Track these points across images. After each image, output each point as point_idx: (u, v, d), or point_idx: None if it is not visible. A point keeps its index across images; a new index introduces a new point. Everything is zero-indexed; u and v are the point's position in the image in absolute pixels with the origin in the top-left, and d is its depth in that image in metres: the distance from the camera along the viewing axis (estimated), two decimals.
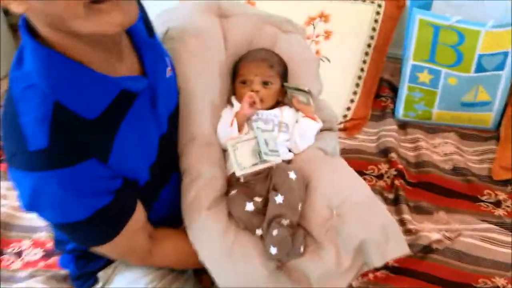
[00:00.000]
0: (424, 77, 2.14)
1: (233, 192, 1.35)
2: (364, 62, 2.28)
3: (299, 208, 1.30)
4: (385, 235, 1.25)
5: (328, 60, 2.26)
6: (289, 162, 1.45)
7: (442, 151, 2.13)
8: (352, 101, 2.27)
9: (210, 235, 1.28)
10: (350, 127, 2.25)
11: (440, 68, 2.09)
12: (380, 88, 2.40)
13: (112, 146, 1.02)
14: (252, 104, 1.41)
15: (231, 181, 1.40)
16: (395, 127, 2.23)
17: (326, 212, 1.30)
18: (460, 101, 2.15)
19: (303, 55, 1.61)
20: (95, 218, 1.02)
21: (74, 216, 1.01)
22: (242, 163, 1.35)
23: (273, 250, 1.22)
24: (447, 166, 2.07)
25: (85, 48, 0.95)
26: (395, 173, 2.00)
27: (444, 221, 1.86)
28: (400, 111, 2.27)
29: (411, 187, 1.99)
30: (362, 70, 2.28)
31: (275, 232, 1.22)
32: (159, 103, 1.17)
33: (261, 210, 1.29)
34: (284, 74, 1.54)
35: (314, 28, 2.28)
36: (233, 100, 1.49)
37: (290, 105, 1.52)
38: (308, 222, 1.31)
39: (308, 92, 1.46)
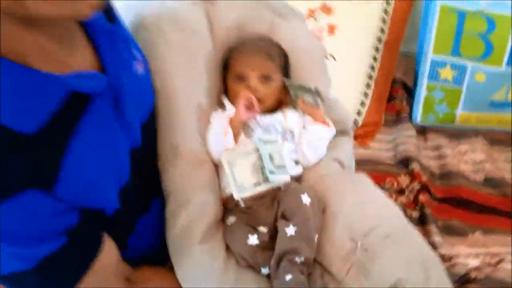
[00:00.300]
0: (447, 73, 1.86)
1: (232, 219, 1.14)
2: (375, 59, 1.98)
3: (315, 241, 1.10)
4: (425, 273, 1.05)
5: (334, 58, 1.96)
6: (298, 179, 1.23)
7: (470, 160, 1.85)
8: (362, 104, 1.97)
9: (205, 276, 1.07)
10: (362, 135, 1.95)
11: (466, 62, 1.82)
12: (393, 89, 2.10)
13: (60, 168, 0.80)
14: (250, 106, 1.17)
15: (228, 206, 1.17)
16: (413, 132, 1.95)
17: (349, 245, 1.10)
18: (489, 100, 1.88)
19: (307, 44, 1.37)
20: (44, 268, 0.84)
21: (14, 266, 0.83)
22: (242, 183, 1.13)
23: None
24: (478, 177, 1.79)
25: (34, 39, 0.77)
26: (418, 187, 1.71)
27: (481, 244, 1.59)
28: (418, 115, 1.98)
29: (438, 203, 1.71)
30: (372, 68, 1.98)
31: (288, 277, 1.02)
32: (126, 107, 0.95)
33: (268, 243, 1.10)
34: (285, 68, 1.30)
35: (315, 21, 1.99)
36: (225, 101, 1.25)
37: (294, 106, 1.26)
38: (326, 257, 1.11)
39: (314, 92, 1.19)
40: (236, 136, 1.16)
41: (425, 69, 1.88)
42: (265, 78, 1.21)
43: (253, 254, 1.08)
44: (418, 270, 1.04)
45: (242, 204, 1.12)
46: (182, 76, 1.17)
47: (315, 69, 1.34)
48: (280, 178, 1.12)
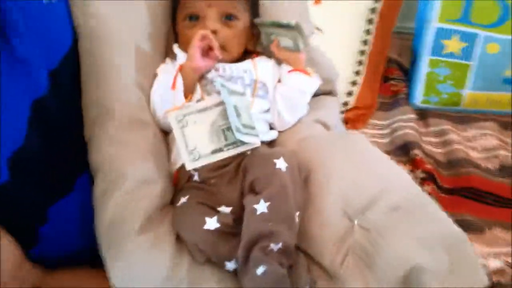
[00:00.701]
0: (454, 45, 1.60)
1: (183, 199, 0.90)
2: (368, 32, 1.71)
3: (297, 220, 0.85)
4: (450, 255, 0.82)
5: (321, 31, 1.69)
6: (270, 145, 1.02)
7: (480, 146, 1.58)
8: (354, 83, 1.70)
9: (146, 276, 0.81)
10: (353, 119, 1.68)
11: (477, 31, 1.56)
12: (387, 70, 1.84)
13: None
14: (207, 49, 0.95)
15: (180, 181, 0.95)
16: (413, 116, 1.68)
17: (343, 224, 0.87)
18: (501, 77, 1.62)
19: None
20: None
21: None
22: (196, 149, 0.90)
23: None
24: (491, 165, 1.53)
25: None
26: (423, 175, 1.43)
27: (501, 242, 1.31)
28: (418, 96, 1.71)
29: (448, 195, 1.43)
30: (365, 43, 1.72)
31: (261, 270, 0.76)
32: (21, 43, 0.75)
33: (232, 228, 0.85)
34: (254, 5, 1.07)
35: None
36: (176, 49, 1.01)
37: (268, 54, 1.06)
38: (314, 242, 0.88)
39: (295, 28, 0.97)
40: (189, 90, 0.92)
41: (427, 41, 1.62)
42: (228, 18, 0.95)
43: (212, 244, 0.83)
44: (441, 252, 0.81)
45: (197, 178, 0.85)
46: (116, 13, 0.94)
47: (295, 10, 1.13)
48: (247, 139, 0.87)
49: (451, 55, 1.61)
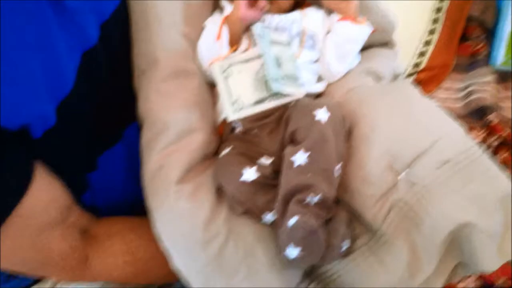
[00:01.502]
0: None
1: (226, 150, 0.87)
2: None
3: (338, 172, 0.81)
4: (505, 216, 0.77)
5: None
6: (318, 96, 0.96)
7: None
8: (427, 43, 1.58)
9: (185, 226, 0.80)
10: (425, 80, 1.57)
11: None
12: (468, 29, 1.68)
13: None
14: (254, 1, 0.90)
15: (224, 133, 0.92)
16: (492, 78, 1.53)
17: (388, 177, 0.81)
18: None
19: None
20: None
21: None
22: (239, 99, 0.86)
23: (293, 252, 0.75)
24: None
25: None
26: (497, 142, 1.31)
27: None
28: (499, 57, 1.56)
29: None
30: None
31: (291, 222, 0.74)
32: None
33: (271, 180, 0.82)
34: None
35: None
36: (223, 1, 0.97)
37: (319, 3, 0.98)
38: (356, 196, 0.82)
39: None
40: (234, 40, 0.89)
41: None
42: None
43: (250, 195, 0.81)
44: (494, 212, 0.76)
45: (240, 128, 0.83)
46: None
47: None
48: (288, 90, 0.82)
49: None
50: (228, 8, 0.94)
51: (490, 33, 1.68)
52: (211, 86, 0.94)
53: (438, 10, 1.58)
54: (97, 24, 0.80)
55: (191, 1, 0.94)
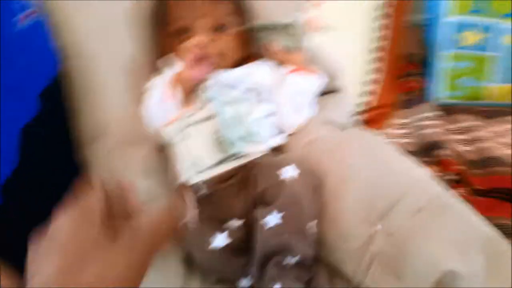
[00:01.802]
0: (472, 37, 1.50)
1: (192, 215, 0.84)
2: (384, 27, 1.63)
3: (314, 230, 0.80)
4: (486, 259, 0.77)
5: (333, 28, 1.60)
6: (278, 150, 0.95)
7: None
8: (371, 82, 1.61)
9: None
10: (373, 119, 1.59)
11: (496, 21, 1.46)
12: (405, 65, 1.73)
13: None
14: (203, 58, 0.89)
15: (187, 196, 0.87)
16: (436, 113, 1.59)
17: (364, 230, 0.81)
18: None
19: None
20: None
21: None
22: (199, 161, 0.84)
23: None
24: None
25: None
26: (454, 177, 1.34)
27: None
28: (439, 91, 1.63)
29: (482, 197, 1.33)
30: (381, 39, 1.63)
31: (277, 287, 0.71)
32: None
33: (245, 242, 0.79)
34: (246, 7, 1.02)
35: None
36: (165, 62, 0.95)
37: (268, 55, 1.00)
38: (335, 251, 0.82)
39: (291, 28, 0.94)
40: (186, 100, 0.87)
41: (443, 35, 1.53)
42: (221, 28, 0.91)
43: (223, 262, 0.78)
44: (474, 254, 0.76)
45: (204, 191, 0.81)
46: (103, 33, 0.91)
47: (289, 5, 1.07)
48: (247, 150, 0.82)
49: (469, 47, 1.52)
50: (174, 67, 0.91)
51: (425, 67, 1.76)
52: (166, 148, 0.90)
53: (378, 49, 1.62)
54: (34, 96, 0.77)
55: (135, 65, 0.91)
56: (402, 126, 1.60)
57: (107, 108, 0.87)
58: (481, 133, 1.50)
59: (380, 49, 1.61)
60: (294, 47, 0.93)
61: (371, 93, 1.59)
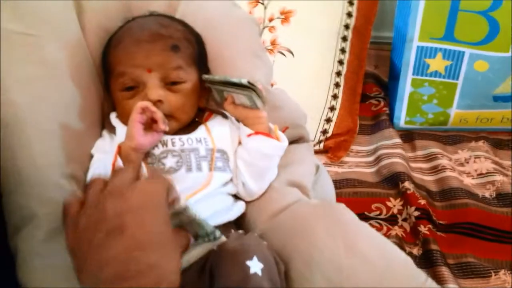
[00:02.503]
0: (438, 64, 1.46)
1: None
2: (343, 51, 1.58)
3: None
4: None
5: (292, 53, 1.54)
6: (240, 222, 0.86)
7: (474, 170, 1.45)
8: (332, 109, 1.55)
9: None
10: (334, 147, 1.54)
11: (463, 48, 1.42)
12: (364, 86, 1.69)
13: None
14: (150, 122, 0.80)
15: None
16: (398, 140, 1.54)
17: None
18: (491, 94, 1.48)
19: (227, 17, 1.01)
20: None
21: None
22: None
23: None
24: (488, 193, 1.40)
25: None
26: (417, 213, 1.30)
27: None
28: (402, 116, 1.58)
29: (445, 233, 1.30)
30: (340, 63, 1.58)
31: None
32: None
33: None
34: (200, 57, 0.91)
35: (265, 8, 1.56)
36: (113, 119, 0.85)
37: (224, 114, 0.92)
38: None
39: (249, 87, 0.80)
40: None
41: (409, 60, 1.47)
42: (174, 83, 0.82)
43: None
44: None
45: None
46: (29, 89, 0.77)
47: (245, 55, 0.97)
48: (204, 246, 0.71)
49: (435, 73, 1.47)
50: (119, 131, 0.82)
51: (387, 88, 1.71)
52: None
53: (338, 74, 1.56)
54: None
55: (74, 130, 0.80)
56: (365, 153, 1.55)
57: (37, 190, 0.74)
58: (443, 162, 1.45)
59: (338, 74, 1.55)
60: (252, 106, 0.84)
61: (329, 120, 1.53)
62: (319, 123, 1.53)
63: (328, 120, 1.54)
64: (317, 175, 1.03)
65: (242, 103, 0.84)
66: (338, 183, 1.43)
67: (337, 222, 0.80)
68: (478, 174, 1.44)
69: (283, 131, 0.90)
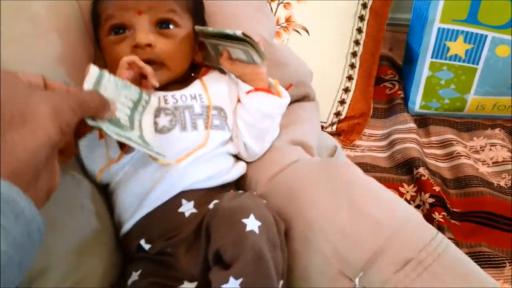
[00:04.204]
0: (458, 47, 1.42)
1: (134, 275, 0.70)
2: (359, 31, 1.53)
3: None
4: None
5: (307, 32, 1.50)
6: (240, 183, 0.82)
7: (489, 158, 1.42)
8: (346, 90, 1.51)
9: None
10: (347, 130, 1.50)
11: (485, 32, 1.38)
12: (379, 69, 1.64)
13: None
14: (139, 78, 0.74)
15: (129, 249, 0.74)
16: (413, 125, 1.50)
17: (339, 286, 0.66)
18: (511, 81, 1.44)
19: None
20: None
21: None
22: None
23: None
24: (503, 182, 1.36)
25: None
26: (431, 200, 1.27)
27: None
28: (417, 101, 1.54)
29: (460, 221, 1.27)
30: (357, 43, 1.53)
31: None
32: None
33: None
34: (196, 6, 0.86)
35: None
36: (93, 69, 0.71)
37: (222, 69, 0.86)
38: None
39: (245, 40, 0.75)
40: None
41: (429, 42, 1.43)
42: (163, 24, 0.77)
43: None
44: None
45: (148, 248, 0.69)
46: (17, 48, 0.74)
47: (249, 8, 0.93)
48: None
49: (455, 57, 1.43)
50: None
51: (401, 71, 1.66)
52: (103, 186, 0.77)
53: (354, 54, 1.52)
54: None
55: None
56: (378, 137, 1.51)
57: None
58: (458, 148, 1.42)
59: (354, 54, 1.51)
60: (250, 61, 0.79)
61: (343, 102, 1.49)
62: (333, 105, 1.49)
63: (342, 102, 1.50)
64: (335, 156, 1.00)
65: (238, 58, 0.79)
66: None
67: (340, 181, 0.74)
68: (493, 163, 1.41)
69: (287, 89, 0.86)
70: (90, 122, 0.55)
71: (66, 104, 0.49)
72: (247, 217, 0.63)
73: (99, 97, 0.57)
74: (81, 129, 0.55)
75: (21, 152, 0.43)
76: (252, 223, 0.63)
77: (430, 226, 0.71)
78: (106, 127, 0.58)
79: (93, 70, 0.63)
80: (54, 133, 0.46)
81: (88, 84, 0.62)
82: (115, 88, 0.65)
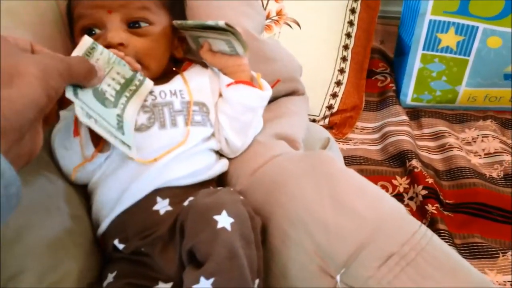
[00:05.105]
0: (449, 39, 1.42)
1: (110, 277, 0.69)
2: (351, 23, 1.53)
3: None
4: None
5: (298, 25, 1.49)
6: (221, 179, 0.81)
7: (481, 150, 1.42)
8: (338, 83, 1.51)
9: None
10: (339, 123, 1.50)
11: (477, 23, 1.38)
12: (371, 62, 1.64)
13: None
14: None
15: (106, 251, 0.74)
16: (405, 117, 1.50)
17: (321, 284, 0.65)
18: (502, 72, 1.45)
19: None
20: None
21: None
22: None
23: None
24: (495, 173, 1.37)
25: None
26: (424, 192, 1.27)
27: None
28: (409, 94, 1.54)
29: (453, 213, 1.27)
30: (348, 36, 1.53)
31: None
32: None
33: None
34: (174, 3, 0.83)
35: None
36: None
37: (203, 63, 0.84)
38: None
39: (228, 30, 0.73)
40: (98, 135, 0.65)
41: (420, 34, 1.43)
42: (134, 24, 0.75)
43: None
44: None
45: (122, 248, 0.68)
46: None
47: (236, 1, 0.91)
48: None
49: (447, 49, 1.43)
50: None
51: (393, 64, 1.67)
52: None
53: (346, 47, 1.52)
54: None
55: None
56: (370, 130, 1.51)
57: None
58: (450, 140, 1.42)
59: (345, 47, 1.51)
60: (232, 52, 0.78)
61: (335, 95, 1.49)
62: (325, 98, 1.49)
63: (334, 95, 1.50)
64: (328, 148, 0.99)
65: (220, 50, 0.78)
66: (343, 160, 1.39)
67: (323, 174, 0.73)
68: (485, 154, 1.41)
69: (275, 84, 0.85)
70: (68, 95, 0.55)
71: (54, 67, 0.49)
72: (219, 213, 0.62)
73: (87, 63, 0.57)
74: (64, 99, 0.56)
75: (7, 111, 0.43)
76: (224, 220, 0.61)
77: (413, 219, 0.69)
78: (81, 105, 0.57)
79: (87, 40, 0.63)
80: (42, 95, 0.46)
81: (78, 51, 0.61)
82: (106, 62, 0.65)
